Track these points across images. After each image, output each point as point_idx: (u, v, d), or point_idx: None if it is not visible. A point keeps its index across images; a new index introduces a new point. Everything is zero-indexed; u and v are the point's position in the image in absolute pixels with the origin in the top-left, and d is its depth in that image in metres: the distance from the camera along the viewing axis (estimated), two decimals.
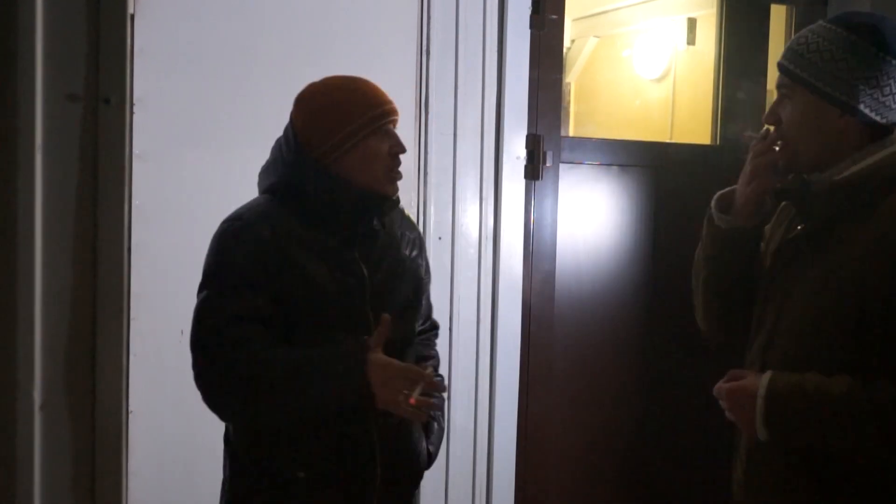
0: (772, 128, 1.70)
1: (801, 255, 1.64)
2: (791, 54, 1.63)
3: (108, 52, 2.45)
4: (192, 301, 2.55)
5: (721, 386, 1.63)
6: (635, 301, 3.34)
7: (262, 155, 2.62)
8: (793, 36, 1.98)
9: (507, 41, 2.94)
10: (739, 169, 1.74)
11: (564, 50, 3.26)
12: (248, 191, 2.60)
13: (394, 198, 1.92)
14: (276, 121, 2.63)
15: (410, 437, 1.93)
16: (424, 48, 2.80)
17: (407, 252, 1.98)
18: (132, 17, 2.42)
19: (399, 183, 1.92)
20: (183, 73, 2.51)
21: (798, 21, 3.55)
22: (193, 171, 2.54)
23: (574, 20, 4.65)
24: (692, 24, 4.21)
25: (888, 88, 1.56)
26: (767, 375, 1.57)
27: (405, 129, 2.75)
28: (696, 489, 3.42)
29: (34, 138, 2.42)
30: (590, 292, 3.26)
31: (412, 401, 1.68)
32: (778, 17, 3.59)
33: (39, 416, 2.46)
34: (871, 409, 1.48)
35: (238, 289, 1.78)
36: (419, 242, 2.05)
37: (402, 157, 1.90)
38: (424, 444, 1.98)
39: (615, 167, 3.28)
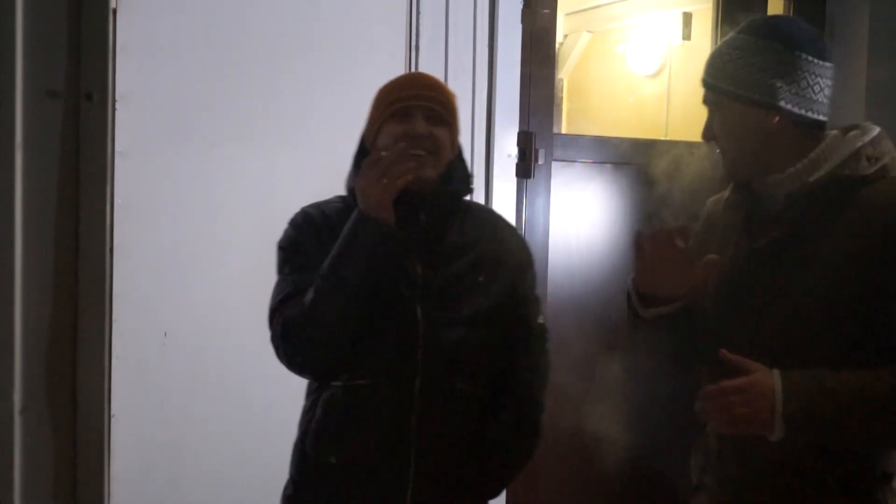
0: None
1: (781, 258, 1.64)
2: (710, 69, 1.69)
3: (90, 48, 2.43)
4: (175, 301, 2.55)
5: (728, 384, 1.53)
6: None
7: (247, 152, 2.60)
8: None
9: (497, 36, 2.92)
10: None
11: (557, 45, 3.23)
12: (232, 188, 2.58)
13: (424, 190, 1.80)
14: (260, 117, 2.62)
15: (453, 458, 1.86)
16: (413, 43, 2.77)
17: (480, 262, 1.87)
18: (114, 11, 2.39)
19: None
20: (166, 69, 2.48)
21: (796, 15, 3.51)
22: (177, 168, 2.51)
23: (567, 15, 4.63)
24: (687, 18, 4.19)
25: (804, 81, 1.63)
26: (777, 372, 1.53)
27: None
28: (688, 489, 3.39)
29: (14, 135, 2.40)
30: (582, 293, 3.22)
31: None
32: (775, 11, 3.55)
33: (19, 420, 2.43)
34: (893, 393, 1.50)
35: (295, 268, 1.84)
36: (514, 262, 1.93)
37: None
38: (479, 467, 1.90)
39: (609, 165, 3.25)
